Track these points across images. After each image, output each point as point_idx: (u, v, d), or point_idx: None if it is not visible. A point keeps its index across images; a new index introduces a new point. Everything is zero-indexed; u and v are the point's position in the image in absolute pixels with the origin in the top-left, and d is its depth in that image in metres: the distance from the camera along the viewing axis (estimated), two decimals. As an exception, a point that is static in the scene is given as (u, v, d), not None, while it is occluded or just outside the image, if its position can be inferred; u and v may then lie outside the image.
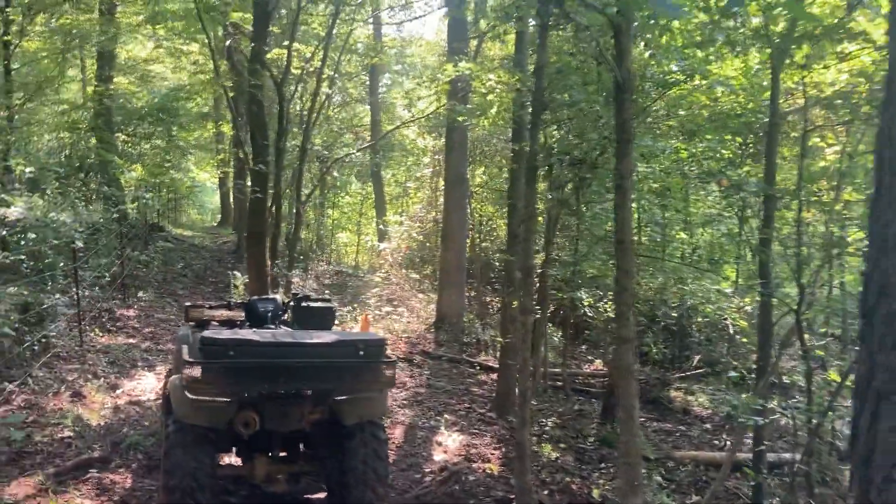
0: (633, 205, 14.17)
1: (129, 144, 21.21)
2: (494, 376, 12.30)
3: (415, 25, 55.40)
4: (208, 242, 22.81)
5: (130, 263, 15.82)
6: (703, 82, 9.44)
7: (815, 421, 5.58)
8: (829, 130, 7.62)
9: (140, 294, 14.70)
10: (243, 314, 6.63)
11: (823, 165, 7.85)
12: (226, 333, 5.28)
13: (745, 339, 10.64)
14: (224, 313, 6.74)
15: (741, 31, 6.99)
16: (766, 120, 9.46)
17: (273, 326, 6.45)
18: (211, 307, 6.75)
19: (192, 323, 6.68)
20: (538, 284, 9.23)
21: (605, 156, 7.69)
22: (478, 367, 12.34)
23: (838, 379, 5.65)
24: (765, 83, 9.81)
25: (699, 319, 11.60)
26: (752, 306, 8.88)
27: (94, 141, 17.57)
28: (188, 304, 6.91)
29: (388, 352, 6.26)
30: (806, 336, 6.37)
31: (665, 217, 14.86)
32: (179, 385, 5.15)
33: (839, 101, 7.22)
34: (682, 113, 10.46)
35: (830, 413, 5.75)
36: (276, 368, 5.09)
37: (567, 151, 7.53)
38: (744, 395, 6.55)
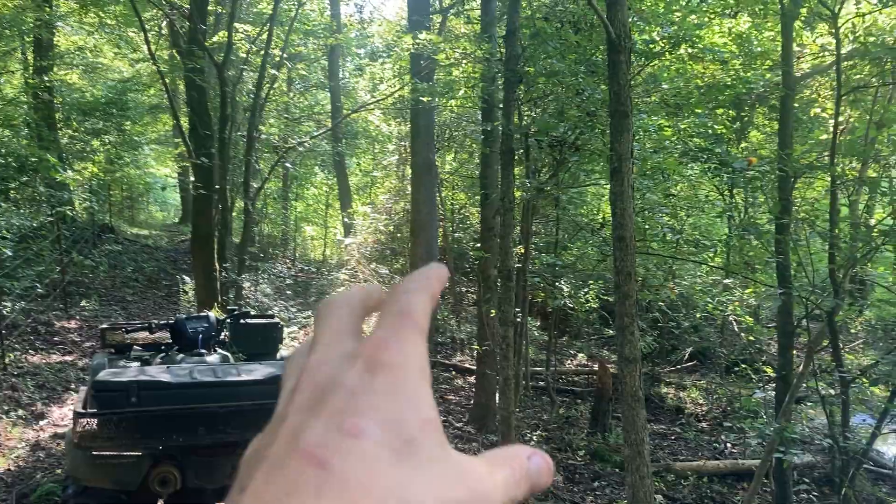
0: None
1: (76, 142, 19.84)
2: (472, 380, 11.34)
3: (375, 2, 53.84)
4: (164, 242, 21.52)
5: (74, 269, 14.59)
6: (691, 50, 8.50)
7: (855, 447, 4.65)
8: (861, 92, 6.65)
9: (83, 303, 13.48)
10: (169, 336, 5.57)
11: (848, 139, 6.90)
12: (128, 373, 4.20)
13: (751, 338, 9.76)
14: (146, 336, 5.70)
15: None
16: (760, 90, 8.54)
17: (205, 352, 5.39)
18: (131, 329, 5.69)
19: (109, 349, 5.64)
20: (516, 282, 8.23)
21: (586, 136, 6.68)
22: (453, 371, 11.34)
23: (879, 392, 4.73)
24: (758, 49, 8.90)
25: (691, 312, 10.69)
26: (756, 298, 8.01)
27: (24, 140, 16.20)
28: (104, 325, 5.84)
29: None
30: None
31: (643, 200, 13.97)
32: (73, 440, 4.08)
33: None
34: (665, 87, 9.50)
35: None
36: (196, 416, 4.04)
37: (547, 130, 6.49)
38: (774, 427, 5.59)
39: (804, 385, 5.12)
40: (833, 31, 5.83)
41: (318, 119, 21.11)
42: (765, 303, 8.66)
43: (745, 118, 8.78)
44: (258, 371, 4.32)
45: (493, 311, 6.51)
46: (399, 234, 17.34)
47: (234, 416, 4.10)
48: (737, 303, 7.89)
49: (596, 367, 12.61)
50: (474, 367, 11.52)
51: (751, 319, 8.95)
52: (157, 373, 4.21)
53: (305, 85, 21.47)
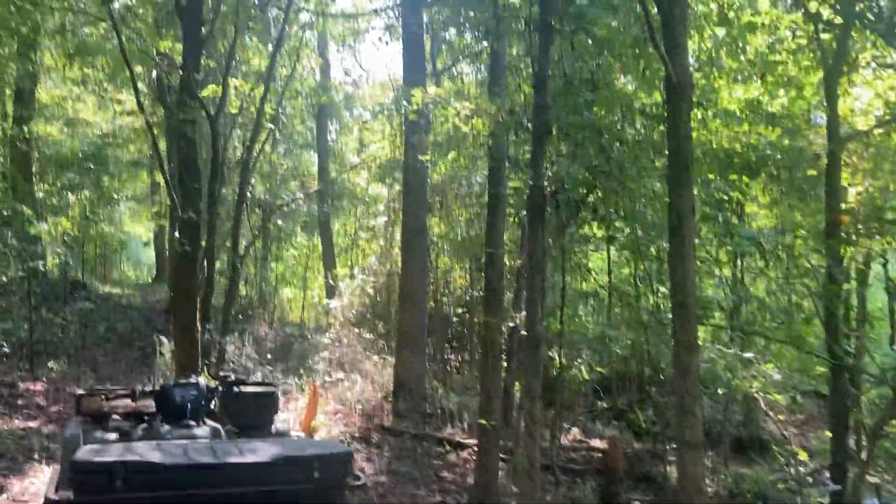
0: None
1: (51, 195, 19.23)
2: (465, 454, 10.67)
3: (365, 63, 54.31)
4: (138, 300, 20.71)
5: (42, 328, 13.80)
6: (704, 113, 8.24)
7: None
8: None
9: (51, 364, 12.67)
10: (154, 405, 4.95)
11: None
12: (112, 451, 3.58)
13: (780, 416, 9.26)
14: (128, 404, 5.07)
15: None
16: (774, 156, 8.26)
17: (194, 423, 4.77)
18: (111, 396, 5.06)
19: (84, 418, 5.00)
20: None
21: (609, 192, 6.29)
22: (446, 446, 10.65)
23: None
24: (774, 109, 8.66)
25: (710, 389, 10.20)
26: (780, 373, 7.56)
27: (-1, 192, 15.61)
28: (80, 391, 5.19)
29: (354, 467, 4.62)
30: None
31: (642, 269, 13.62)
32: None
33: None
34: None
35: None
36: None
37: (584, 184, 6.09)
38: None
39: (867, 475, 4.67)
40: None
41: (303, 180, 20.75)
42: (790, 378, 8.22)
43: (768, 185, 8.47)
44: (263, 451, 3.72)
45: (517, 383, 5.99)
46: (383, 299, 16.78)
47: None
48: (761, 378, 7.46)
49: (595, 443, 12.01)
50: (468, 441, 10.86)
51: (780, 397, 8.50)
52: (147, 451, 3.59)
53: (292, 145, 21.18)
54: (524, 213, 9.43)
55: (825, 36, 5.87)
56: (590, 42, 5.77)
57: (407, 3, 12.16)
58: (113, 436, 4.69)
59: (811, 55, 7.08)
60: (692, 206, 3.72)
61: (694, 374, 3.68)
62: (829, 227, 5.73)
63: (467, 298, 16.28)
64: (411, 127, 11.57)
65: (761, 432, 11.97)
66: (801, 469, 7.70)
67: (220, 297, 13.67)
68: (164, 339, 11.43)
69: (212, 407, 5.25)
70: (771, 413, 9.84)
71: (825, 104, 5.97)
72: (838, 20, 5.70)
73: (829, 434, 7.22)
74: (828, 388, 5.86)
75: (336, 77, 21.60)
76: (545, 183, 5.59)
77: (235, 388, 5.24)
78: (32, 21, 13.72)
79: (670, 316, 9.92)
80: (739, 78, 8.77)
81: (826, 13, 5.85)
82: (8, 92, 17.95)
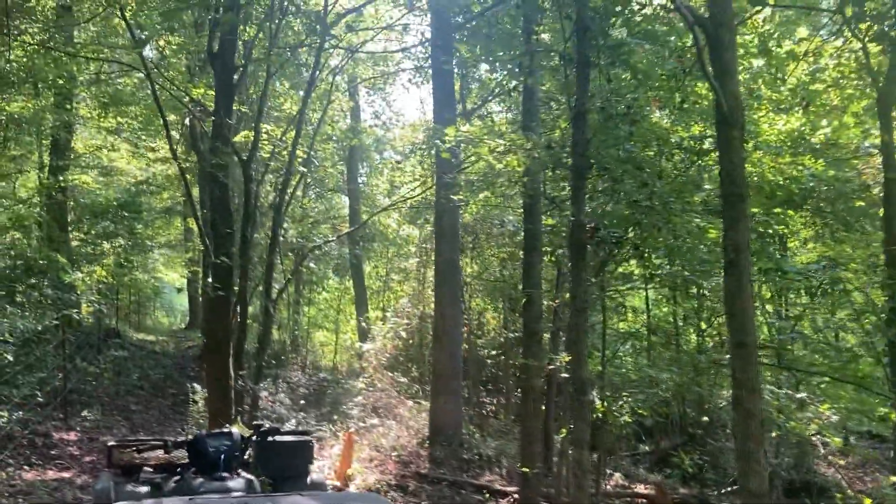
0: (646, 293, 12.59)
1: (85, 244, 19.42)
2: (504, 502, 10.32)
3: (395, 105, 54.62)
4: (171, 348, 20.74)
5: (77, 376, 13.77)
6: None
7: None
8: None
9: (85, 413, 12.59)
10: (186, 456, 4.77)
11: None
12: (144, 509, 3.40)
13: (840, 462, 8.82)
14: (160, 456, 4.90)
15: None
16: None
17: (227, 475, 4.58)
18: (143, 447, 4.90)
19: (116, 470, 4.85)
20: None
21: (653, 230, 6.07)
22: (486, 494, 10.32)
23: None
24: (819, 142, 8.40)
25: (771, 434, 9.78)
26: (837, 414, 7.19)
27: (35, 241, 15.77)
28: (112, 442, 5.04)
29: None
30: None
31: (683, 307, 13.27)
32: None
33: None
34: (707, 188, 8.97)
35: None
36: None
37: (625, 221, 5.89)
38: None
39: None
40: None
41: (334, 224, 20.77)
42: (847, 420, 7.84)
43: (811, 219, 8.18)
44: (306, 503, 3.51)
45: (562, 430, 5.73)
46: (415, 341, 16.57)
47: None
48: (817, 420, 7.10)
49: (639, 488, 11.60)
50: (508, 489, 10.53)
51: (839, 440, 8.11)
52: (181, 507, 3.40)
53: (322, 189, 21.24)
54: (560, 251, 9.25)
55: (874, 51, 5.64)
56: (626, 76, 5.63)
57: (437, 40, 12.16)
58: (144, 489, 4.54)
59: (856, 82, 6.86)
60: (747, 241, 3.51)
61: (757, 417, 3.43)
62: (889, 258, 5.45)
63: (501, 340, 16.02)
64: (442, 166, 11.47)
65: (813, 476, 11.47)
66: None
67: (253, 343, 13.59)
68: (197, 386, 11.30)
69: (245, 457, 5.06)
70: (831, 457, 9.39)
71: (879, 130, 5.71)
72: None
73: (892, 479, 6.83)
74: (892, 430, 5.52)
75: (366, 120, 21.72)
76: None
77: (270, 438, 5.06)
78: (69, 72, 13.95)
79: (714, 355, 9.62)
80: (780, 109, 8.55)
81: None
82: (45, 143, 18.26)
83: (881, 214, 7.96)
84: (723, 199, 3.62)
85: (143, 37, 9.42)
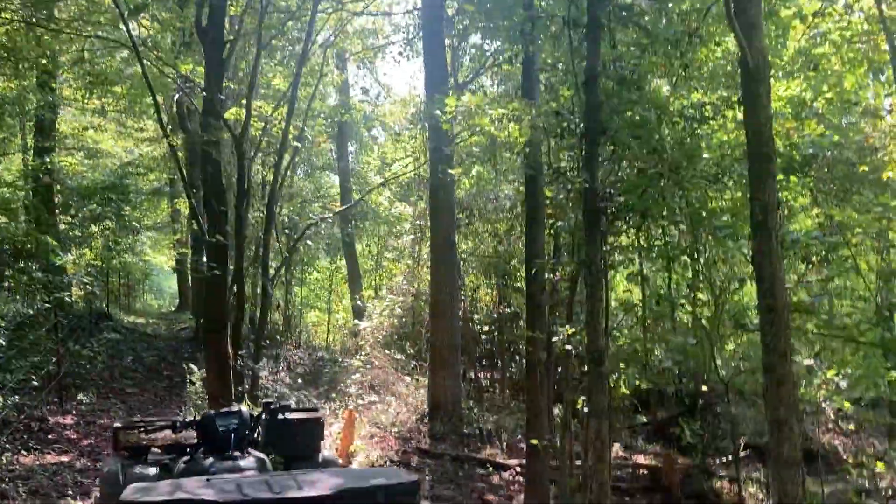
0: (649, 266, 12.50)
1: (73, 227, 19.15)
2: (508, 475, 10.31)
3: (384, 79, 53.89)
4: (163, 330, 20.56)
5: (70, 360, 13.60)
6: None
7: None
8: None
9: (80, 396, 12.44)
10: (195, 436, 4.66)
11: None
12: (161, 490, 3.27)
13: (851, 427, 8.81)
14: (168, 436, 4.79)
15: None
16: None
17: (238, 454, 4.47)
18: (150, 429, 4.77)
19: (122, 452, 4.73)
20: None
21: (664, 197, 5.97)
22: (489, 467, 10.29)
23: None
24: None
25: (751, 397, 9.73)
26: (844, 380, 7.14)
27: (22, 224, 15.50)
28: (118, 424, 4.91)
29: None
30: None
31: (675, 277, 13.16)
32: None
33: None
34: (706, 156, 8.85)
35: None
36: (248, 544, 3.10)
37: (635, 188, 5.78)
38: None
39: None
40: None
41: (324, 203, 20.57)
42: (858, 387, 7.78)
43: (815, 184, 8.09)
44: (322, 482, 3.38)
45: (577, 400, 5.65)
46: (410, 319, 16.48)
47: (296, 542, 3.18)
48: (826, 387, 7.07)
49: (639, 459, 11.61)
50: (510, 462, 10.51)
51: (848, 404, 8.08)
52: (197, 488, 3.27)
53: (311, 167, 21.02)
54: (559, 224, 9.12)
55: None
56: (635, 36, 5.50)
57: (427, 10, 11.95)
58: (153, 470, 4.43)
59: (862, 45, 6.77)
60: (776, 202, 3.41)
61: (790, 383, 3.35)
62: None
63: (496, 315, 15.96)
64: (437, 141, 11.29)
65: (810, 443, 11.50)
66: (881, 483, 7.28)
67: (246, 323, 13.46)
68: (194, 367, 11.17)
69: (255, 436, 4.95)
70: (840, 423, 9.39)
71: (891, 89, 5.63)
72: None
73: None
74: None
75: (356, 95, 21.43)
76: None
77: (280, 416, 4.95)
78: (52, 50, 13.64)
79: (705, 324, 9.55)
80: (780, 74, 8.45)
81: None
82: (29, 124, 17.94)
83: (885, 178, 7.91)
84: (749, 158, 3.52)
85: (132, 8, 9.13)
